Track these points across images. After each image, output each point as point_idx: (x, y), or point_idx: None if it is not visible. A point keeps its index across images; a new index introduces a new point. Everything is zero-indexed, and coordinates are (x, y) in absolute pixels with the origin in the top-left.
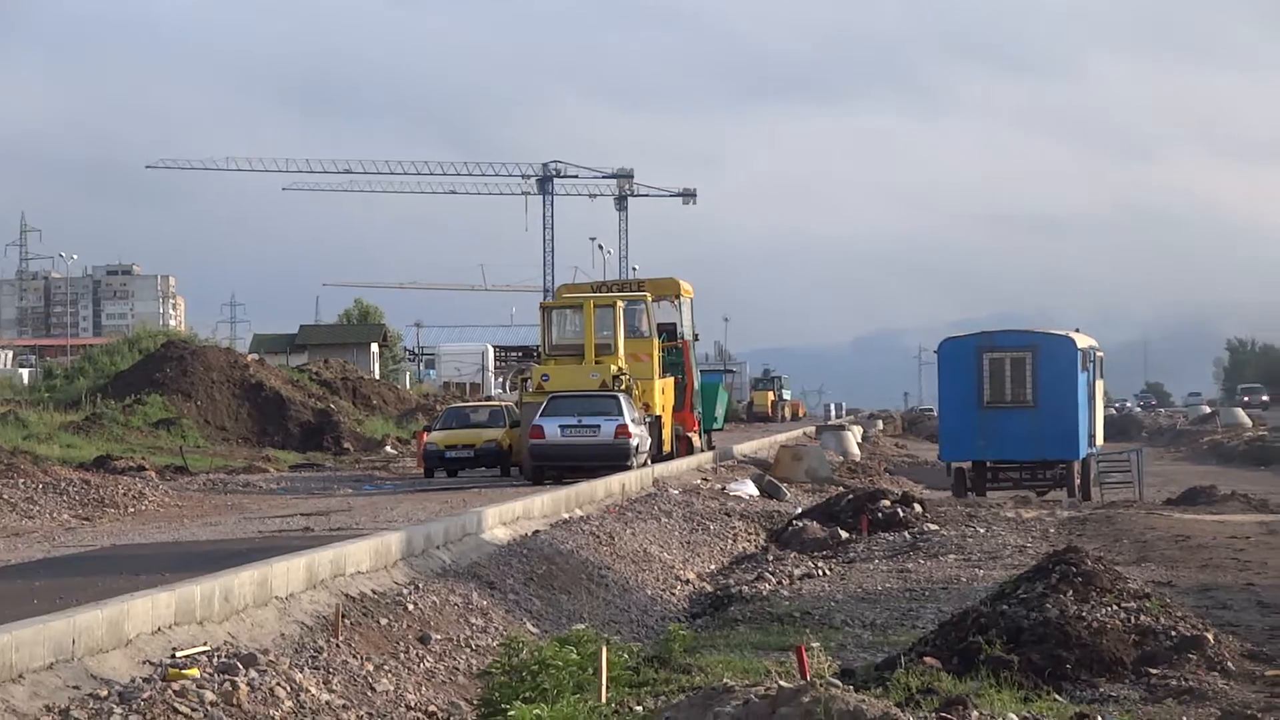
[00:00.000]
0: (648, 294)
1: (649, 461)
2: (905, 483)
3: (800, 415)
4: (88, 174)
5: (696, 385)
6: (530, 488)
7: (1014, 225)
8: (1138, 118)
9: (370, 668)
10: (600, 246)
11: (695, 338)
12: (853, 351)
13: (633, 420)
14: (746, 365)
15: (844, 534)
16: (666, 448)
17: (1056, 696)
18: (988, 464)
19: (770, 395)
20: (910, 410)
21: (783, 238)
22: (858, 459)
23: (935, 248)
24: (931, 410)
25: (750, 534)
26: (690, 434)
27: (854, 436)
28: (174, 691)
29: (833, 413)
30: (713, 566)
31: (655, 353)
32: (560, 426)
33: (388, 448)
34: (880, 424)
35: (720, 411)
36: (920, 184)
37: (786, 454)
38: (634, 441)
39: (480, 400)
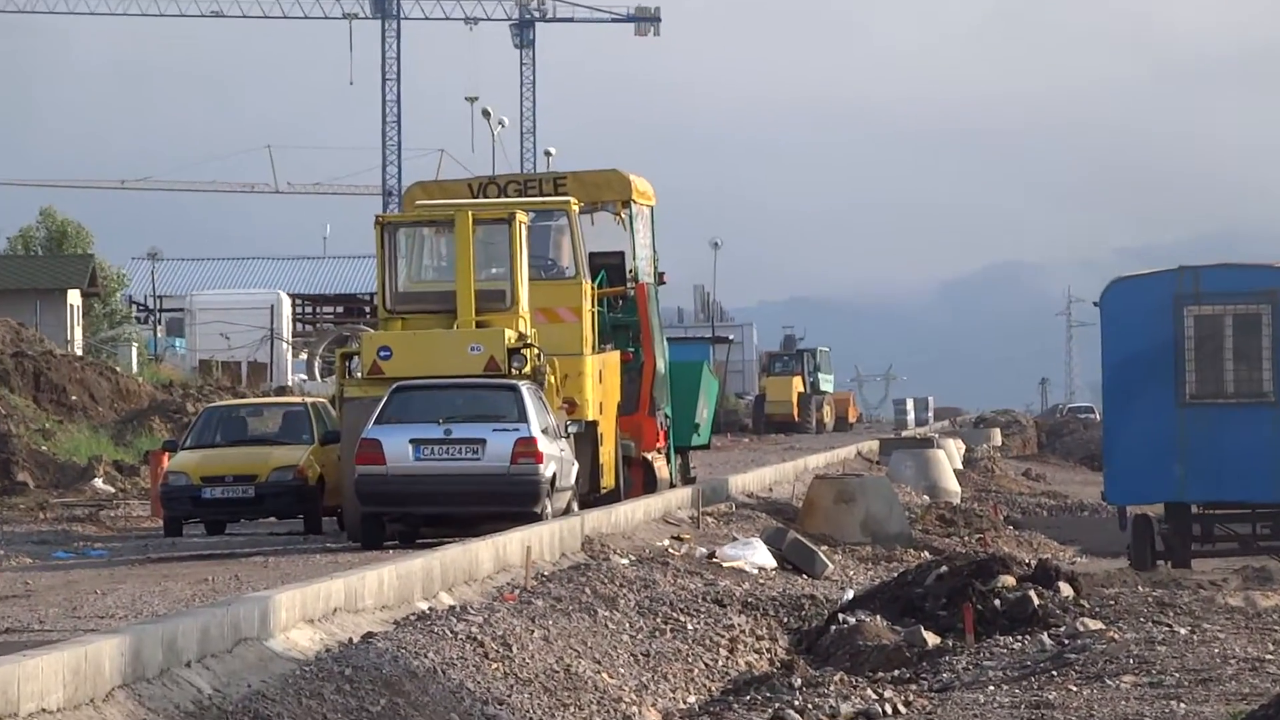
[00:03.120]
0: (572, 201)
1: (575, 506)
2: (1044, 543)
3: (852, 420)
4: None
5: (662, 367)
6: (358, 554)
7: (1227, 75)
8: None
9: None
10: (486, 114)
11: (660, 278)
12: (942, 304)
13: (545, 431)
14: (752, 329)
15: (931, 638)
16: (608, 480)
17: None
18: (1194, 509)
19: (796, 383)
20: (1052, 411)
21: (810, 99)
22: (956, 499)
23: (1084, 118)
24: (1090, 411)
25: (761, 638)
26: (651, 455)
27: (949, 458)
28: None
29: (910, 415)
30: (692, 699)
31: (586, 307)
32: (413, 443)
33: (98, 480)
34: (997, 436)
35: (705, 413)
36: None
37: (826, 492)
38: (547, 469)
39: (266, 395)
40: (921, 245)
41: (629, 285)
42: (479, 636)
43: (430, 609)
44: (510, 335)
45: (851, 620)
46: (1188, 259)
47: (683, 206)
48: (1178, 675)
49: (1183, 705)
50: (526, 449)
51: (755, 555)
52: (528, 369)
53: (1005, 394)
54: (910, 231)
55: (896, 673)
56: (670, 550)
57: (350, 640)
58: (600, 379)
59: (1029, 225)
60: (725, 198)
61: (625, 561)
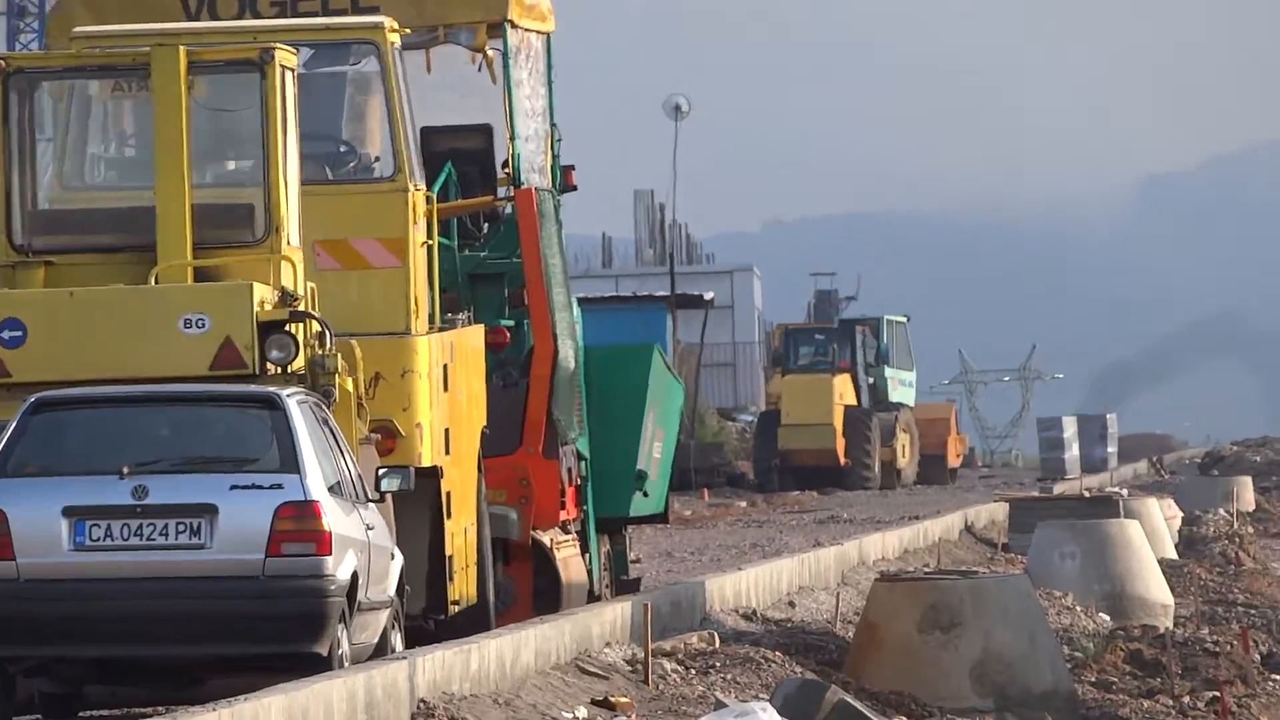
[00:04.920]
0: (388, 24)
1: (397, 640)
2: None
3: (955, 461)
4: None
5: (570, 357)
6: None
7: None
8: None
9: None
10: None
11: (565, 178)
12: (1143, 221)
13: (335, 489)
14: (752, 278)
15: None
16: (464, 587)
17: None
18: None
19: (840, 389)
20: None
21: None
22: (1167, 620)
23: None
24: None
25: None
26: (552, 535)
27: (1151, 538)
28: None
29: (1072, 451)
30: None
31: (417, 237)
32: (71, 516)
33: None
34: (1248, 492)
35: (659, 451)
36: None
37: (904, 608)
38: (340, 567)
39: None
40: (1105, 106)
41: (502, 193)
42: None
43: None
44: (265, 294)
45: None
46: None
47: (614, 42)
48: None
49: None
50: (299, 526)
51: None
52: (300, 363)
53: (1260, 414)
54: (1085, 70)
55: None
56: None
57: None
58: (447, 383)
59: None
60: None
61: None
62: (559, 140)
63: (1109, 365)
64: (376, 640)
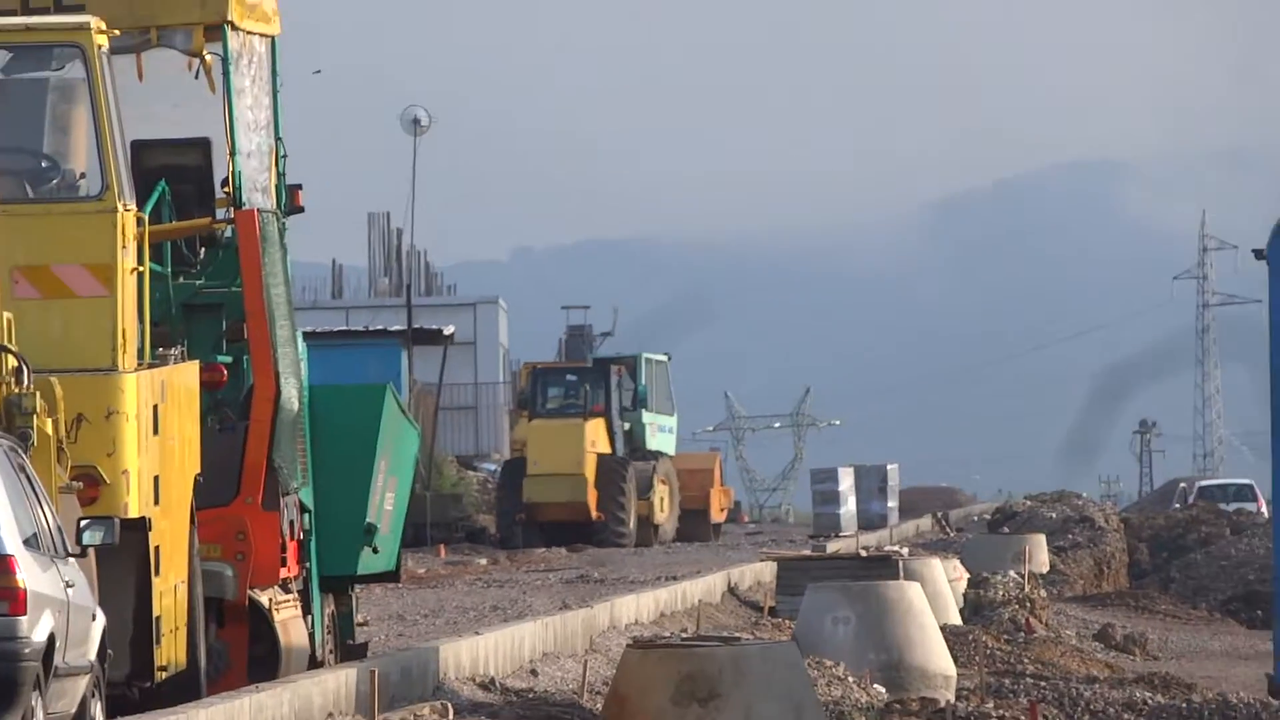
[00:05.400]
0: (95, 25)
1: (98, 711)
2: None
3: (718, 516)
4: None
5: (293, 397)
6: None
7: None
8: None
9: None
10: None
11: (291, 199)
12: (914, 254)
13: (32, 542)
14: (498, 310)
15: None
16: (173, 652)
17: None
18: None
19: (592, 435)
20: (1164, 495)
21: None
22: (948, 693)
23: None
24: (1247, 495)
25: None
26: (270, 595)
27: (934, 601)
28: None
29: (847, 506)
30: None
31: (126, 263)
32: None
33: None
34: (1041, 552)
35: (391, 503)
36: None
37: (658, 679)
38: (36, 629)
39: None
40: (876, 130)
41: (221, 214)
42: None
43: None
44: None
45: None
46: None
47: (351, 59)
48: None
49: None
50: None
51: None
52: None
53: (1055, 462)
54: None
55: None
56: None
57: None
58: (157, 426)
59: (1090, 96)
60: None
61: None
62: (285, 156)
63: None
64: (75, 710)
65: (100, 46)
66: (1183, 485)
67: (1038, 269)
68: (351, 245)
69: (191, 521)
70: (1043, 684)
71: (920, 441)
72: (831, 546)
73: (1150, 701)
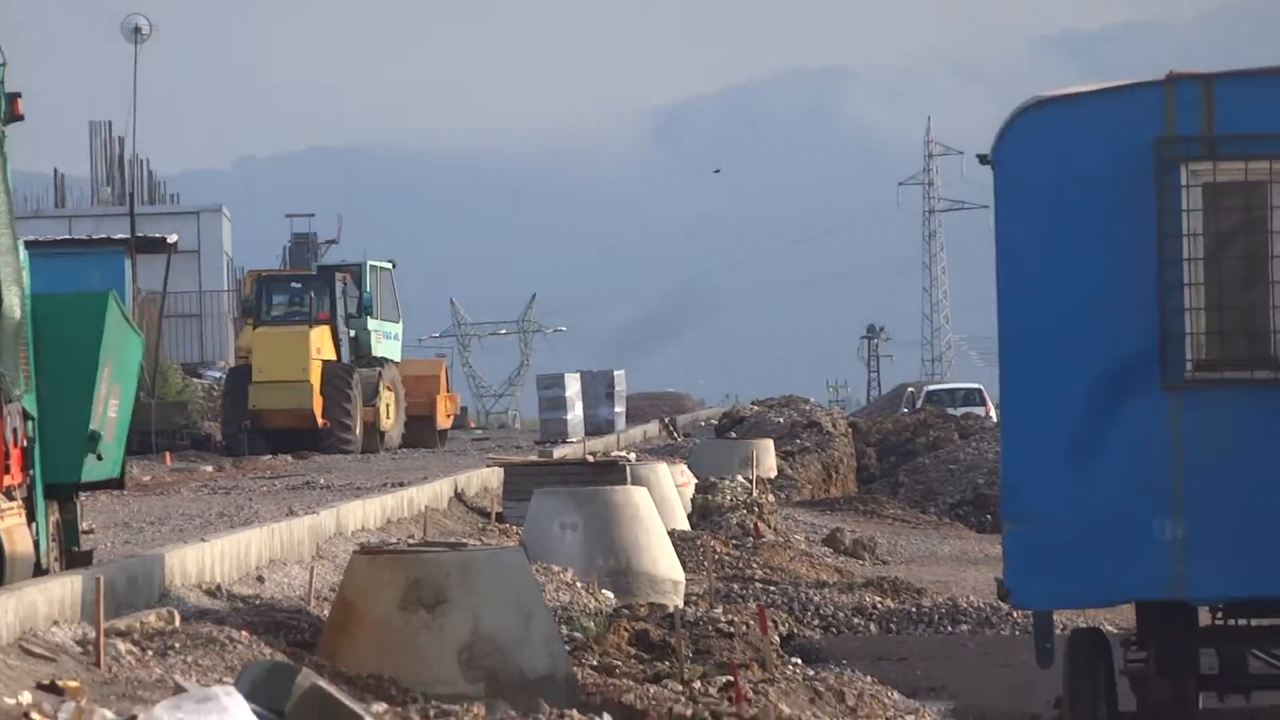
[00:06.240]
0: None
1: None
2: (872, 696)
3: (445, 423)
4: None
5: (14, 303)
6: None
7: None
8: None
9: None
10: None
11: (9, 112)
12: (649, 153)
13: None
14: (221, 218)
15: None
16: None
17: None
18: (1218, 615)
19: (316, 341)
20: (892, 399)
21: None
22: (676, 597)
23: None
24: (975, 400)
25: None
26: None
27: (661, 506)
28: None
29: (574, 413)
30: None
31: None
32: None
33: None
34: (769, 456)
35: (115, 411)
36: None
37: (385, 584)
38: None
39: None
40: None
41: None
42: None
43: None
44: None
45: None
46: (1150, 60)
47: None
48: None
49: None
50: None
51: None
52: None
53: (788, 368)
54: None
55: None
56: None
57: None
58: None
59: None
60: None
61: None
62: (3, 64)
63: (624, 320)
64: None
65: None
66: (910, 390)
67: (765, 175)
68: (74, 154)
69: None
70: (772, 589)
71: (647, 350)
72: (558, 452)
73: (880, 606)
